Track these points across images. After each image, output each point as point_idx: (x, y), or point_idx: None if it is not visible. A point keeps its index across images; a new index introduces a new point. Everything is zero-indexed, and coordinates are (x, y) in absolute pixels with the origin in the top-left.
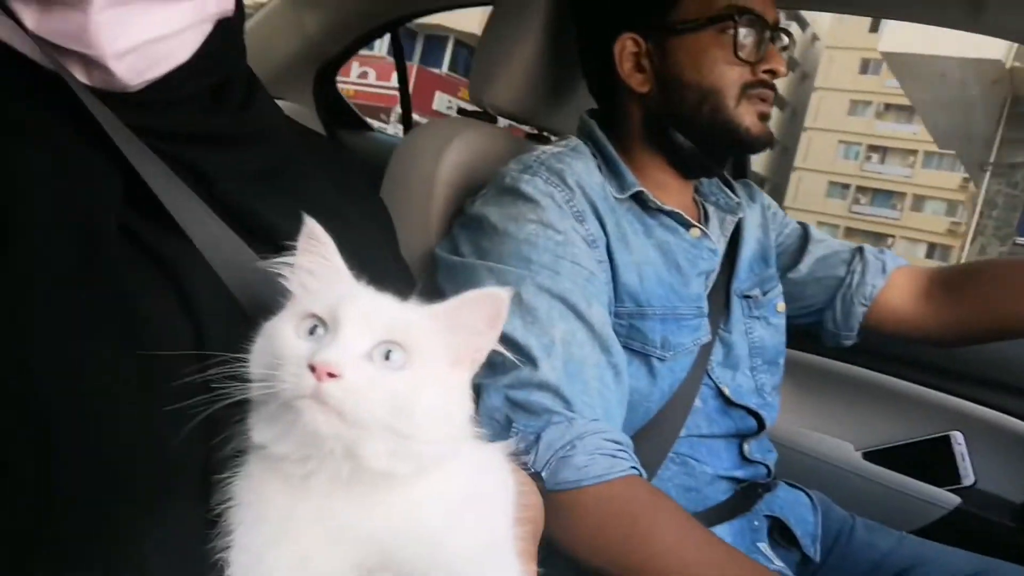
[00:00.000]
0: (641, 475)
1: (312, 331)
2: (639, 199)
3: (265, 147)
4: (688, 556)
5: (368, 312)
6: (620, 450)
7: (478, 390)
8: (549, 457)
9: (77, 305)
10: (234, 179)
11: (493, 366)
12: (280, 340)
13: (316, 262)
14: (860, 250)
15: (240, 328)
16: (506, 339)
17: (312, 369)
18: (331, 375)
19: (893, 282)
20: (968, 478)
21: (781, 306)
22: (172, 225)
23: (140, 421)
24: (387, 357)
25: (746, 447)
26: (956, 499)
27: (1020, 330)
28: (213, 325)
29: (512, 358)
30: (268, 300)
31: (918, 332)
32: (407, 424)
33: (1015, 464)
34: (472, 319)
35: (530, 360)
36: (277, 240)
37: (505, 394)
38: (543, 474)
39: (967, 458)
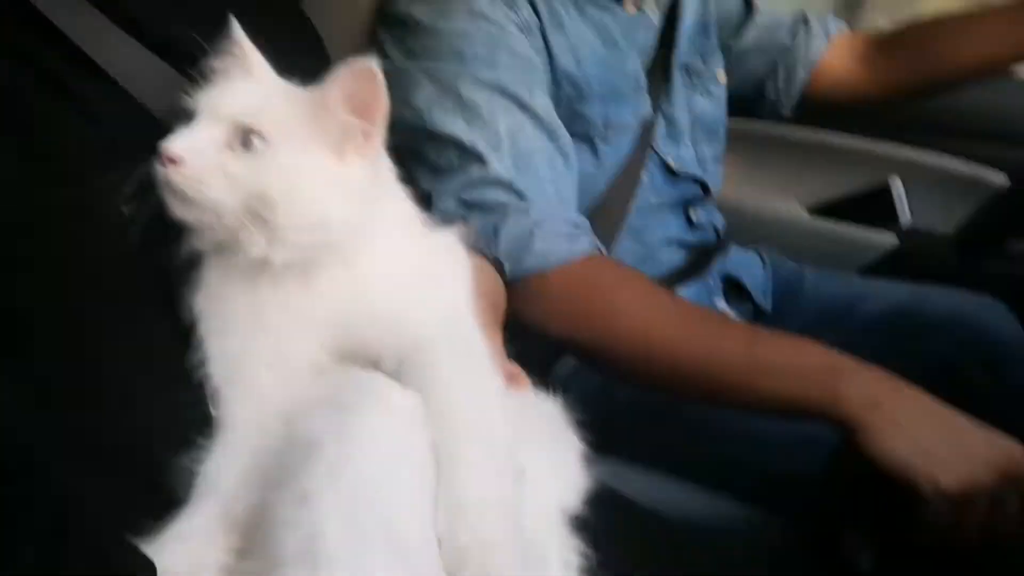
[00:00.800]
0: (601, 251)
1: None
2: None
3: None
4: (653, 316)
5: (222, 100)
6: (578, 230)
7: (430, 198)
8: (510, 248)
9: None
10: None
11: (441, 170)
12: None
13: (227, 62)
14: (803, 17)
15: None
16: (451, 140)
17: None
18: (172, 161)
19: (835, 47)
20: (906, 218)
21: (722, 76)
22: (82, 57)
23: (78, 249)
24: (249, 146)
25: (692, 213)
26: (893, 238)
27: (954, 80)
28: (130, 140)
29: (459, 159)
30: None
31: (858, 95)
32: (269, 211)
33: (948, 200)
34: (345, 100)
35: (478, 159)
36: (192, 51)
37: (457, 196)
38: (506, 265)
39: (904, 200)
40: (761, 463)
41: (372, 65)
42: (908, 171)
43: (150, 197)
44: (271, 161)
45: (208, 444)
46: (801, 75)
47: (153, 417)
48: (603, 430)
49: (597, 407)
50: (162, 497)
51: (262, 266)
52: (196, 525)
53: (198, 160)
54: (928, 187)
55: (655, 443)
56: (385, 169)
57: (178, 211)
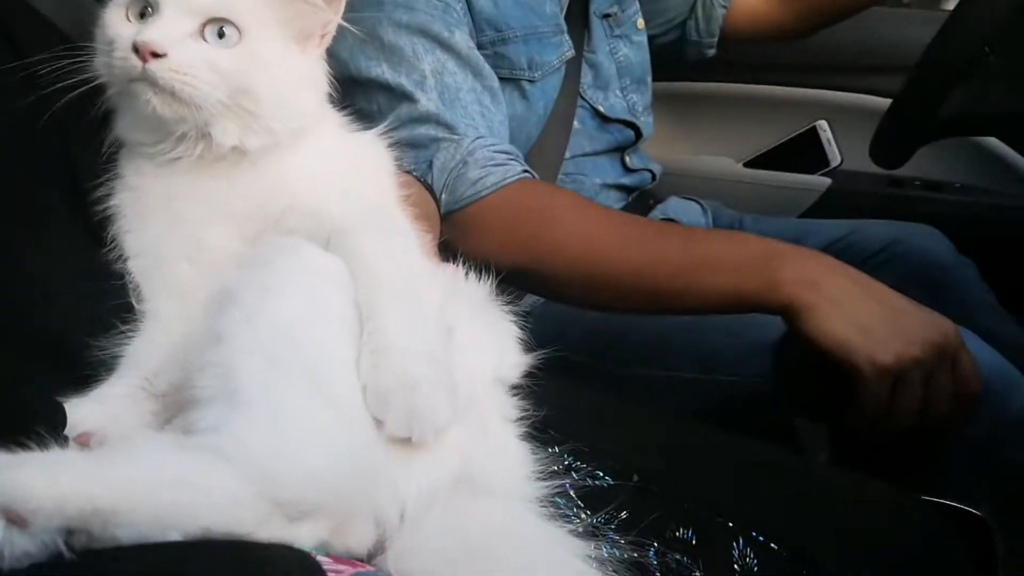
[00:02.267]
0: (533, 176)
1: (143, 15)
2: None
3: None
4: (589, 230)
5: None
6: (510, 158)
7: None
8: (444, 179)
9: None
10: None
11: (371, 115)
12: (110, 26)
13: None
14: None
15: (58, 39)
16: (377, 84)
17: (137, 51)
18: (155, 55)
19: None
20: (836, 160)
21: (641, 23)
22: None
23: None
24: (221, 36)
25: (627, 159)
26: (827, 181)
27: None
28: (24, 35)
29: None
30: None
31: (774, 28)
32: (252, 102)
33: None
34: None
35: (406, 97)
36: None
37: (389, 137)
38: (442, 197)
39: (833, 142)
40: (713, 379)
41: None
42: (836, 113)
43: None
44: (252, 53)
45: (130, 330)
46: (718, 13)
47: (69, 303)
48: (562, 361)
49: (558, 339)
50: (83, 374)
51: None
52: (116, 392)
53: (184, 53)
54: (857, 127)
55: (610, 371)
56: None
57: (157, 107)
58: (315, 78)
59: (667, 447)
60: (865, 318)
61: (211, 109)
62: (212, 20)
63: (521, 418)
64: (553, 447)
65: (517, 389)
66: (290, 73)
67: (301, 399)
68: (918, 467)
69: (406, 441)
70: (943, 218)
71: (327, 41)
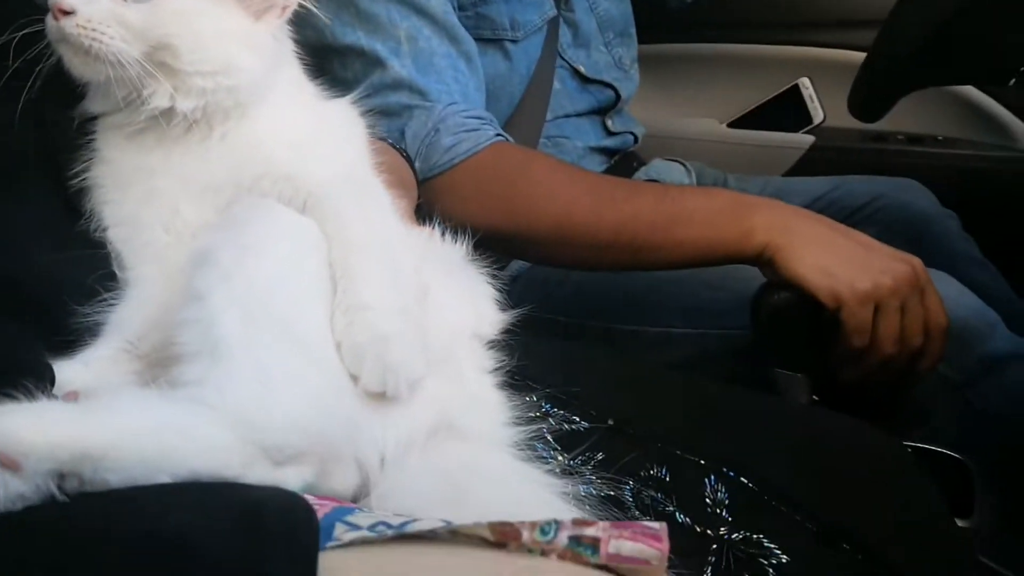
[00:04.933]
0: (506, 139)
1: None
2: None
3: None
4: (565, 190)
5: None
6: (483, 123)
7: None
8: (417, 146)
9: None
10: None
11: (347, 83)
12: None
13: None
14: None
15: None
16: (353, 50)
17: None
18: (64, 12)
19: None
20: (818, 116)
21: None
22: None
23: None
24: None
25: (608, 121)
26: (810, 138)
27: None
28: None
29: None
30: None
31: None
32: (171, 56)
33: None
34: None
35: (380, 63)
36: None
37: (363, 104)
38: (417, 164)
39: (816, 99)
40: (699, 332)
41: None
42: (818, 70)
43: (41, 65)
44: (167, 7)
45: (112, 297)
46: None
47: (50, 271)
48: (549, 323)
49: (545, 302)
50: (67, 339)
51: (158, 127)
52: (100, 355)
53: (90, 9)
54: (839, 82)
55: (596, 329)
56: (286, 40)
57: (77, 68)
58: (261, 43)
59: (643, 393)
60: (839, 253)
61: (132, 68)
62: None
63: (498, 368)
64: (530, 395)
65: (495, 343)
66: (213, 24)
67: (280, 352)
68: (897, 413)
69: (381, 395)
70: (926, 171)
71: (288, 14)
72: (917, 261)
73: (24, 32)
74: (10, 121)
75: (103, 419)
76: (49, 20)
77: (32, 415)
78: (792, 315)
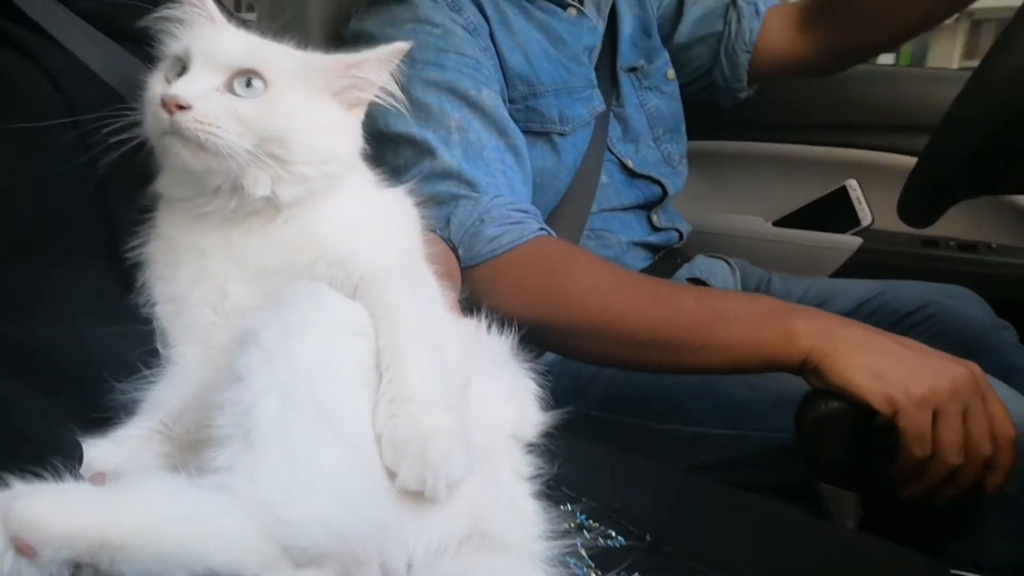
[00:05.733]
0: (549, 233)
1: (180, 74)
2: None
3: None
4: (605, 287)
5: (219, 45)
6: (527, 216)
7: None
8: (461, 235)
9: None
10: None
11: (398, 170)
12: (150, 88)
13: (189, 12)
14: (733, 1)
15: (109, 99)
16: (404, 139)
17: (165, 106)
18: (180, 107)
19: (769, 23)
20: (866, 219)
21: (671, 74)
22: (29, 23)
23: (30, 186)
24: (249, 87)
25: (654, 217)
26: (858, 240)
27: (891, 40)
28: (78, 94)
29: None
30: (137, 74)
31: (799, 65)
32: (280, 147)
33: None
34: (377, 68)
35: (430, 152)
36: (142, 39)
37: (412, 191)
38: (459, 253)
39: (863, 201)
40: (738, 434)
41: (404, 46)
42: (866, 172)
43: (110, 151)
44: (277, 101)
45: (153, 374)
46: (742, 58)
47: (95, 344)
48: (583, 417)
49: (577, 395)
50: (103, 416)
51: (223, 210)
52: (132, 434)
53: (207, 104)
54: (888, 186)
55: (632, 426)
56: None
57: (185, 160)
58: (348, 128)
59: (682, 506)
60: (889, 355)
61: (239, 159)
62: (239, 73)
63: (535, 476)
64: (566, 505)
65: (533, 447)
66: (317, 117)
67: (316, 443)
68: (954, 534)
69: (418, 493)
70: (979, 279)
71: (365, 102)
72: (974, 365)
73: (105, 117)
74: (77, 196)
75: (126, 507)
76: (159, 113)
77: (54, 499)
78: (840, 426)
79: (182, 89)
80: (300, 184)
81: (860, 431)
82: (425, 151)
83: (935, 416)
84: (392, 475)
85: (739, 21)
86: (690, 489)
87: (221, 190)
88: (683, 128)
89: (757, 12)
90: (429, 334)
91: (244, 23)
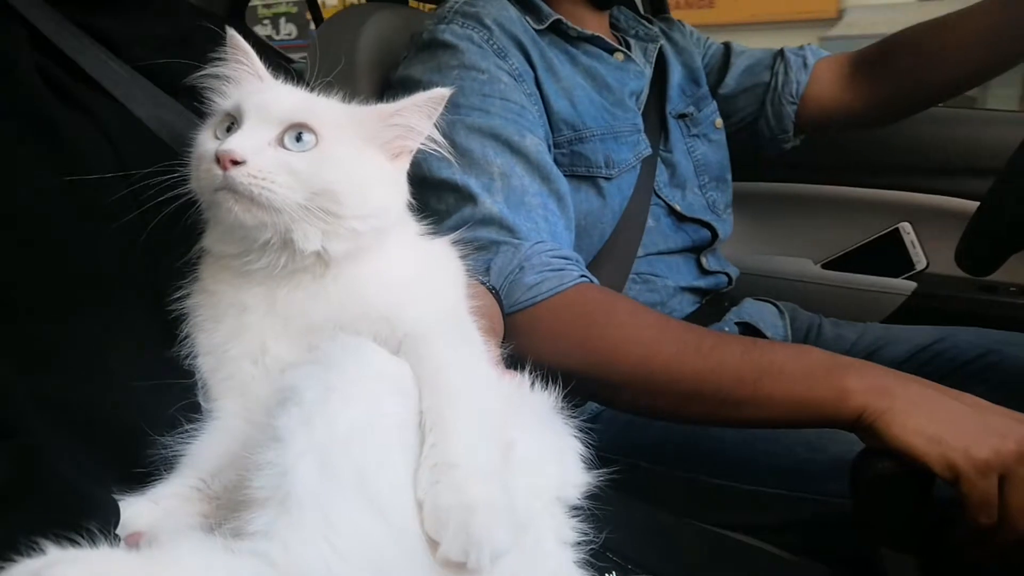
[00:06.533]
0: (591, 280)
1: (230, 129)
2: (559, 30)
3: (173, 17)
4: (646, 335)
5: (271, 100)
6: (568, 263)
7: None
8: (501, 282)
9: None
10: (143, 46)
11: (440, 215)
12: (199, 144)
13: (236, 69)
14: (780, 52)
15: (161, 154)
16: (447, 185)
17: (219, 161)
18: (234, 162)
19: (817, 75)
20: (920, 263)
21: (719, 122)
22: (85, 77)
23: (80, 240)
24: (299, 140)
25: (703, 260)
26: (912, 284)
27: (942, 93)
28: (131, 149)
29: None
30: (188, 130)
31: (848, 118)
32: (331, 201)
33: None
34: (417, 118)
35: (470, 199)
36: (192, 95)
37: (454, 237)
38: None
39: (918, 245)
40: (796, 495)
41: (445, 92)
42: (919, 215)
43: (160, 207)
44: (328, 154)
45: (193, 428)
46: (788, 110)
47: (137, 397)
48: (631, 468)
49: (627, 445)
50: (142, 470)
51: (269, 266)
52: (170, 492)
53: (261, 159)
54: (942, 229)
55: (683, 480)
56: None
57: (237, 215)
58: (395, 179)
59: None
60: (948, 416)
61: (291, 213)
62: (291, 127)
63: (580, 542)
64: (612, 574)
65: (578, 510)
66: (366, 169)
67: (354, 511)
68: None
69: (460, 566)
70: None
71: (412, 152)
72: None
73: (157, 173)
74: (125, 250)
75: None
76: (212, 168)
77: (87, 569)
78: (897, 487)
79: (236, 144)
80: (351, 238)
81: (918, 493)
82: (467, 197)
83: (1001, 481)
84: (433, 545)
85: (786, 72)
86: (741, 556)
87: (270, 246)
88: (729, 177)
89: (805, 65)
90: (474, 396)
91: (290, 73)
